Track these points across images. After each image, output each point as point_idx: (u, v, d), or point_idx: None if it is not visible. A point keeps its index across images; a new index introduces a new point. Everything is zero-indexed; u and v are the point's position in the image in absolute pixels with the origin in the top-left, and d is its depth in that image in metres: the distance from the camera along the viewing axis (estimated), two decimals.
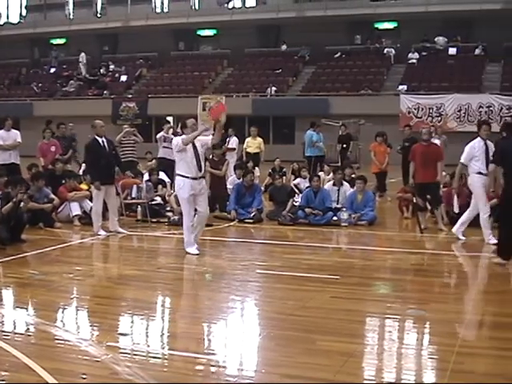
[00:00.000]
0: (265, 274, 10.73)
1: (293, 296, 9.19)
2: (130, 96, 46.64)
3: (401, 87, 40.42)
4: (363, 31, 46.71)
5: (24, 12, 58.19)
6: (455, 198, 15.43)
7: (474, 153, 13.24)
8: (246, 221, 16.01)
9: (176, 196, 16.07)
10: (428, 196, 15.15)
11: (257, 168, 21.80)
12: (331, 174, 18.76)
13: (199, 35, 51.96)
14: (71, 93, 48.50)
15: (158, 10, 53.61)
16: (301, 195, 16.88)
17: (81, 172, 18.84)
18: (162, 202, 16.85)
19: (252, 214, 16.08)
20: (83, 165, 20.59)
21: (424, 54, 43.38)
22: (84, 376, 6.07)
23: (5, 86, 52.33)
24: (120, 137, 18.36)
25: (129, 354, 6.72)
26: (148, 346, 7.18)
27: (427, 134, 15.36)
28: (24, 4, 58.13)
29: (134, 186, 16.74)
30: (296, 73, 46.15)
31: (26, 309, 8.75)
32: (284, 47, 48.15)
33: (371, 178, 19.86)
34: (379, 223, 16.02)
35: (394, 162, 21.32)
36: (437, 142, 18.58)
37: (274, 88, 42.93)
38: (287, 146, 36.59)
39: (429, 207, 15.50)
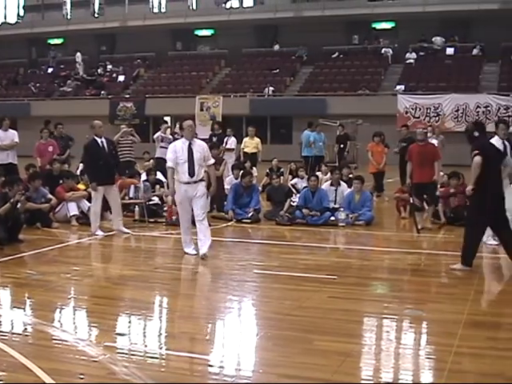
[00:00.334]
0: (262, 274, 10.73)
1: (290, 296, 9.19)
2: (127, 96, 46.66)
3: (398, 87, 40.44)
4: (361, 31, 46.74)
5: (22, 12, 58.24)
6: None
7: None
8: (244, 221, 16.01)
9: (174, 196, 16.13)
10: (425, 196, 15.17)
11: (254, 168, 21.80)
12: (329, 174, 18.77)
13: (197, 35, 51.97)
14: (69, 93, 48.50)
15: (156, 9, 53.65)
16: (298, 195, 16.88)
17: (78, 172, 18.82)
18: (159, 202, 16.84)
19: (250, 214, 16.08)
20: (80, 165, 20.63)
21: (421, 54, 43.44)
22: (81, 376, 6.06)
23: (2, 85, 52.34)
24: (117, 137, 18.33)
25: (126, 354, 6.72)
26: (145, 346, 7.17)
27: (422, 135, 15.36)
28: (22, 4, 58.13)
29: (132, 186, 16.73)
30: (294, 73, 46.17)
31: (24, 309, 8.74)
32: (277, 47, 48.21)
33: (369, 178, 19.88)
34: (377, 223, 16.03)
35: (392, 162, 21.33)
36: (434, 142, 18.62)
37: (271, 88, 42.96)
38: (285, 146, 36.64)
39: (426, 207, 15.51)
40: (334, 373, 6.19)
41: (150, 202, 16.51)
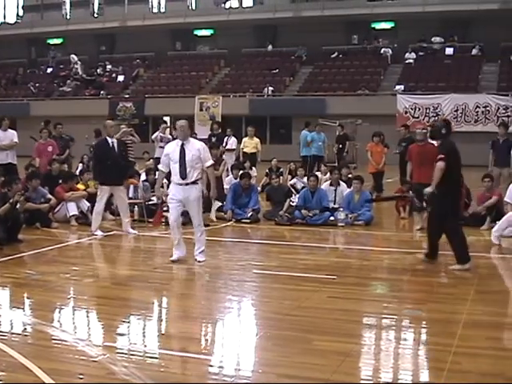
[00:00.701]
0: (261, 274, 10.73)
1: (290, 296, 9.20)
2: (127, 96, 46.67)
3: (398, 87, 40.46)
4: (360, 31, 46.78)
5: (21, 12, 58.25)
6: None
7: None
8: (243, 221, 16.02)
9: None
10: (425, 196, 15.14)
11: (254, 168, 21.81)
12: (328, 174, 18.77)
13: (196, 35, 52.00)
14: (68, 93, 48.52)
15: (155, 9, 53.67)
16: (298, 195, 16.88)
17: (77, 172, 18.82)
18: (158, 202, 16.82)
19: (249, 215, 16.08)
20: (80, 165, 20.65)
21: (421, 54, 43.47)
22: (81, 376, 6.06)
23: (2, 85, 52.35)
24: (117, 137, 18.32)
25: (126, 354, 6.71)
26: (145, 346, 7.17)
27: (422, 135, 15.29)
28: (21, 4, 58.12)
29: (131, 186, 16.71)
30: (293, 73, 46.18)
31: (23, 309, 8.74)
32: (270, 47, 48.27)
33: (368, 178, 19.87)
34: (376, 223, 16.03)
35: (391, 162, 21.32)
36: (434, 142, 18.59)
37: (271, 88, 42.96)
38: (284, 146, 36.64)
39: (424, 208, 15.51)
40: (334, 373, 6.19)
41: (150, 202, 16.49)
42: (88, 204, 15.40)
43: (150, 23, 49.41)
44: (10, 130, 17.78)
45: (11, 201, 12.84)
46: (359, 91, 40.97)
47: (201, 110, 41.74)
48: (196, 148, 11.33)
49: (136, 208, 16.04)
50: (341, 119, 33.72)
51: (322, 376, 6.12)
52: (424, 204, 15.33)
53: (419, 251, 12.10)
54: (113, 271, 11.19)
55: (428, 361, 6.73)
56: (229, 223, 15.98)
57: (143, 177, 17.82)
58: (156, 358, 6.73)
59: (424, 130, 15.24)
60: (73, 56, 50.24)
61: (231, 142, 22.15)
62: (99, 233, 14.09)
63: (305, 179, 18.26)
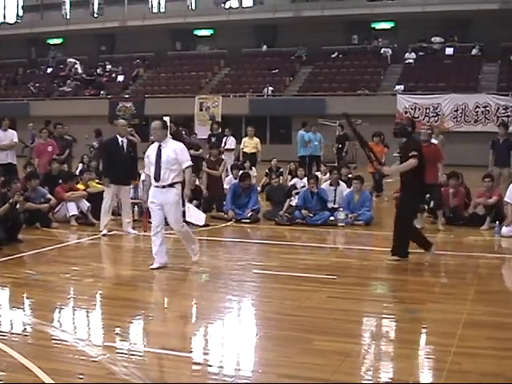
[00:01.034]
0: (262, 274, 10.73)
1: (290, 296, 9.20)
2: (126, 96, 46.67)
3: (398, 87, 40.45)
4: (360, 31, 46.77)
5: (21, 12, 58.24)
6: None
7: None
8: (243, 221, 16.01)
9: None
10: (427, 195, 15.12)
11: (253, 168, 21.81)
12: (328, 174, 18.77)
13: (196, 35, 52.00)
14: (68, 93, 48.51)
15: (155, 9, 53.68)
16: (297, 195, 16.87)
17: (77, 172, 18.82)
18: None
19: (248, 215, 16.07)
20: (80, 165, 20.66)
21: (421, 54, 43.46)
22: (81, 376, 6.06)
23: (2, 85, 52.35)
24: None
25: (126, 354, 6.71)
26: (145, 345, 7.17)
27: (426, 135, 15.25)
28: (21, 4, 58.12)
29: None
30: (293, 73, 46.17)
31: (23, 309, 8.75)
32: (265, 47, 48.30)
33: (368, 177, 19.86)
34: (376, 223, 16.02)
35: (391, 162, 21.29)
36: (434, 142, 18.60)
37: (270, 88, 42.95)
38: (284, 146, 36.58)
39: (426, 207, 15.51)
40: (334, 373, 6.19)
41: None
42: (88, 204, 15.40)
43: (149, 23, 49.40)
44: (9, 130, 17.78)
45: (11, 201, 12.85)
46: (359, 91, 40.97)
47: (201, 110, 41.76)
48: (172, 149, 10.90)
49: (136, 208, 16.03)
50: (341, 119, 33.63)
51: (322, 376, 6.12)
52: (431, 203, 15.40)
53: (419, 251, 12.10)
54: (113, 271, 11.19)
55: (428, 361, 6.72)
56: (228, 223, 15.97)
57: (143, 177, 17.80)
58: (156, 357, 6.72)
59: (429, 131, 15.21)
60: (70, 60, 50.25)
61: (230, 142, 22.15)
62: (104, 232, 14.10)
63: (304, 179, 18.26)
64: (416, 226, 11.99)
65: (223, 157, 20.03)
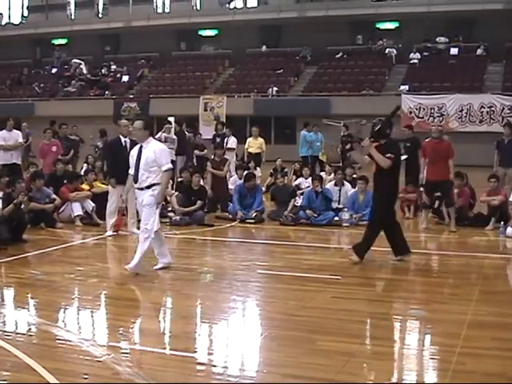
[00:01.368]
0: (266, 274, 10.74)
1: (294, 296, 9.20)
2: (131, 96, 46.68)
3: (402, 87, 40.41)
4: (365, 31, 46.74)
5: (26, 12, 58.28)
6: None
7: None
8: (248, 221, 16.02)
9: (177, 196, 16.15)
10: (437, 194, 15.09)
11: (258, 168, 21.81)
12: (332, 175, 18.76)
13: (201, 35, 51.99)
14: (73, 93, 48.52)
15: (160, 10, 53.68)
16: (302, 195, 16.87)
17: (82, 172, 18.83)
18: (163, 203, 16.81)
19: (253, 215, 16.07)
20: (84, 165, 20.67)
21: (426, 54, 43.40)
22: (85, 376, 6.07)
23: (7, 86, 52.37)
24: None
25: (130, 354, 6.72)
26: (149, 346, 7.17)
27: (437, 133, 15.16)
28: (26, 4, 58.19)
29: None
30: (298, 73, 46.14)
31: (28, 309, 8.76)
32: (264, 48, 48.28)
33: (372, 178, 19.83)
34: None
35: None
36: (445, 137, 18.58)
37: (275, 88, 42.92)
38: (289, 146, 36.54)
39: (436, 206, 15.50)
40: (338, 373, 6.19)
41: None
42: (93, 204, 15.42)
43: (154, 23, 49.41)
44: (14, 131, 17.79)
45: (15, 201, 12.87)
46: (364, 91, 40.92)
47: (205, 110, 41.75)
48: (152, 150, 10.52)
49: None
50: (345, 119, 33.69)
51: (326, 376, 6.12)
52: (436, 203, 15.38)
53: (424, 251, 12.09)
54: (117, 271, 11.18)
55: (433, 361, 6.71)
56: (233, 223, 15.98)
57: None
58: (160, 358, 6.72)
59: (440, 128, 15.15)
60: (74, 60, 50.28)
61: (231, 142, 22.12)
62: (110, 233, 14.10)
63: (310, 179, 18.25)
64: (400, 227, 11.86)
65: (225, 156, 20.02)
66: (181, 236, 14.37)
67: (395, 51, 44.42)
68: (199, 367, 6.43)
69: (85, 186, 16.22)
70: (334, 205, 16.16)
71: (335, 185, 16.80)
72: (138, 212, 15.19)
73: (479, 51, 42.24)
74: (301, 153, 23.82)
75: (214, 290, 9.78)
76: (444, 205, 15.31)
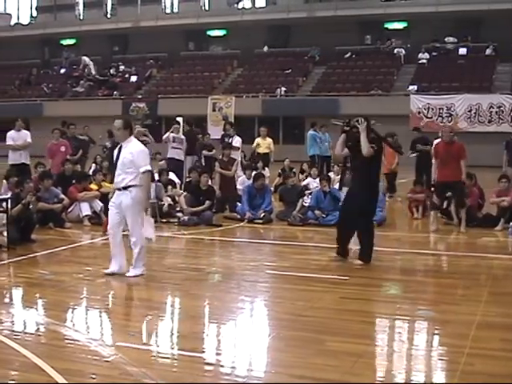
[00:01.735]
0: (274, 274, 10.73)
1: (302, 296, 9.18)
2: (140, 96, 46.77)
3: (411, 87, 40.39)
4: (373, 31, 46.72)
5: (34, 13, 58.43)
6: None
7: None
8: (256, 221, 16.01)
9: (185, 196, 16.15)
10: (448, 193, 15.03)
11: (266, 168, 21.80)
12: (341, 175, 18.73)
13: (209, 35, 52.04)
14: (81, 93, 48.64)
15: (168, 10, 53.78)
16: (311, 195, 16.84)
17: (91, 172, 18.86)
18: (171, 203, 16.84)
19: (261, 215, 16.06)
20: (93, 165, 20.70)
21: (434, 54, 43.37)
22: (94, 376, 6.07)
23: (15, 86, 52.57)
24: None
25: (138, 354, 6.72)
26: (157, 346, 7.18)
27: (448, 137, 15.02)
28: (34, 5, 58.31)
29: None
30: (306, 73, 46.16)
31: (36, 309, 8.77)
32: (266, 48, 48.26)
33: (381, 178, 19.81)
34: (389, 224, 15.98)
35: (404, 162, 21.29)
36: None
37: (283, 88, 42.92)
38: (297, 147, 36.54)
39: (444, 206, 15.46)
40: (346, 374, 6.18)
41: (162, 203, 16.50)
42: (101, 204, 15.42)
43: (163, 24, 49.48)
44: (23, 131, 17.84)
45: (23, 201, 12.90)
46: (372, 91, 40.92)
47: (214, 110, 41.75)
48: (129, 151, 10.13)
49: (149, 208, 16.03)
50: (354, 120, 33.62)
51: (334, 377, 6.11)
52: (444, 204, 15.33)
53: (433, 252, 12.07)
54: (126, 271, 11.18)
55: (441, 362, 6.69)
56: (241, 224, 15.97)
57: (156, 177, 17.83)
58: (168, 358, 6.73)
59: (451, 133, 15.04)
60: (84, 58, 50.34)
61: (235, 141, 22.08)
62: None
63: (317, 180, 18.22)
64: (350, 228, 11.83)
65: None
66: (189, 236, 14.37)
67: (404, 51, 44.41)
68: (207, 367, 6.43)
69: (93, 186, 16.24)
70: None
71: (343, 185, 16.77)
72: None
73: (488, 51, 42.19)
74: (309, 152, 23.81)
75: (222, 290, 9.77)
76: (455, 205, 15.26)
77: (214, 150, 21.64)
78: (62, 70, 53.15)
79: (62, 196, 15.27)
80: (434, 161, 15.36)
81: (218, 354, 6.84)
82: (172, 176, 18.53)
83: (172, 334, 7.80)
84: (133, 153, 10.09)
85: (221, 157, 19.01)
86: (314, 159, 23.28)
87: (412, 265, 11.64)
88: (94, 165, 20.94)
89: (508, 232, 14.33)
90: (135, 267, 10.26)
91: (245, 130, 25.36)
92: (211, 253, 12.95)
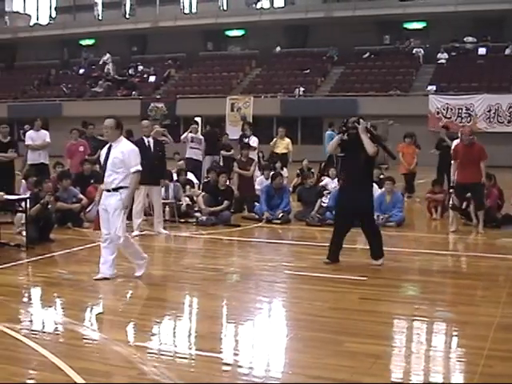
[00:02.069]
0: (292, 274, 10.71)
1: (320, 297, 9.17)
2: (158, 96, 46.82)
3: (430, 87, 40.22)
4: (392, 31, 46.54)
5: (53, 13, 58.64)
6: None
7: None
8: (274, 221, 15.99)
9: (203, 196, 16.16)
10: (468, 194, 14.96)
11: (285, 169, 21.77)
12: None
13: (227, 35, 52.03)
14: (100, 93, 48.77)
15: (187, 10, 53.79)
16: (329, 196, 16.80)
17: None
18: (190, 203, 16.86)
19: (279, 215, 16.04)
20: None
21: (453, 54, 43.17)
22: (111, 376, 6.08)
23: (34, 86, 52.80)
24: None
25: (156, 354, 6.73)
26: (175, 346, 7.19)
27: (468, 140, 14.89)
28: (53, 5, 58.55)
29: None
30: (324, 73, 46.07)
31: (55, 308, 8.81)
32: (278, 48, 48.26)
33: (399, 178, 19.77)
34: (407, 224, 15.94)
35: (423, 163, 21.23)
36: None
37: (302, 88, 42.86)
38: (315, 147, 36.51)
39: (464, 207, 15.39)
40: (364, 375, 6.16)
41: (181, 203, 16.52)
42: None
43: (181, 24, 49.52)
44: (42, 130, 17.91)
45: (42, 201, 12.96)
46: (391, 92, 40.78)
47: (232, 110, 41.80)
48: (120, 151, 9.99)
49: (167, 208, 16.08)
50: (372, 120, 33.58)
51: (352, 378, 6.09)
52: (464, 204, 15.26)
53: (452, 253, 12.01)
54: (144, 271, 11.21)
55: (460, 364, 6.66)
56: (259, 224, 15.96)
57: (174, 177, 17.87)
58: (186, 358, 6.73)
59: (471, 137, 14.92)
60: (108, 56, 50.44)
61: (252, 141, 22.05)
62: (136, 233, 14.12)
63: (336, 180, 18.17)
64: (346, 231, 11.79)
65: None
66: (207, 236, 14.38)
67: (423, 51, 44.22)
68: (225, 368, 6.43)
69: None
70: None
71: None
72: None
73: (508, 51, 41.91)
74: (327, 153, 23.75)
75: (240, 290, 9.77)
76: (474, 207, 15.18)
77: (232, 150, 21.64)
78: (81, 71, 53.33)
79: (81, 196, 15.32)
80: (452, 162, 15.28)
81: (235, 355, 6.84)
82: (190, 176, 18.55)
83: (190, 334, 7.81)
84: (124, 152, 9.97)
85: (239, 157, 19.01)
86: (331, 159, 23.20)
87: (430, 265, 11.60)
88: None
89: None
90: (140, 269, 10.23)
91: (263, 130, 25.32)
92: (229, 253, 12.95)
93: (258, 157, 22.42)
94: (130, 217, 14.62)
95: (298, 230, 15.46)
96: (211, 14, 49.59)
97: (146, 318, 8.21)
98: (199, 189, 18.06)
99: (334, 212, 15.53)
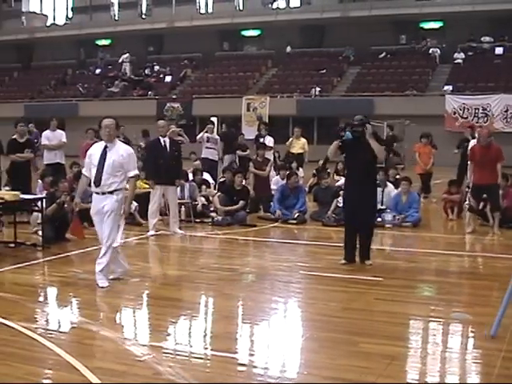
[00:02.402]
0: (308, 275, 10.69)
1: (336, 297, 9.15)
2: (174, 96, 46.91)
3: (446, 87, 40.13)
4: (408, 31, 46.47)
5: (70, 13, 58.87)
6: None
7: None
8: (290, 221, 15.97)
9: (219, 196, 16.17)
10: (484, 195, 14.90)
11: (301, 169, 21.73)
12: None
13: (243, 35, 52.10)
14: (116, 93, 48.94)
15: (203, 10, 53.89)
16: None
17: None
18: (205, 203, 16.86)
19: (295, 215, 16.02)
20: None
21: (470, 53, 43.04)
22: (127, 376, 6.08)
23: (51, 86, 53.04)
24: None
25: (171, 354, 6.73)
26: (190, 346, 7.18)
27: (486, 141, 14.76)
28: (70, 5, 58.76)
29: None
30: (341, 73, 46.07)
31: (70, 307, 8.83)
32: (289, 48, 48.22)
33: (416, 178, 19.71)
34: (424, 225, 15.89)
35: (439, 163, 21.16)
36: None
37: (318, 88, 42.83)
38: None
39: (480, 208, 15.33)
40: (380, 376, 6.13)
41: (196, 202, 16.53)
42: (135, 204, 15.46)
43: (197, 24, 49.62)
44: (58, 130, 17.94)
45: (58, 201, 13.01)
46: (407, 92, 40.70)
47: (248, 110, 41.82)
48: (119, 153, 9.79)
49: (183, 208, 16.10)
50: (389, 120, 33.53)
51: (368, 379, 6.07)
52: (480, 205, 15.19)
53: (468, 253, 11.94)
54: (159, 271, 11.23)
55: (476, 365, 6.62)
56: (275, 224, 15.95)
57: (190, 177, 17.88)
58: (201, 358, 6.72)
59: (489, 138, 14.82)
60: (127, 55, 50.58)
61: (268, 141, 22.03)
62: (152, 233, 14.16)
63: None
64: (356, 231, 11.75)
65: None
66: (223, 236, 14.38)
67: (439, 51, 44.13)
68: (240, 368, 6.41)
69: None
70: (377, 206, 16.04)
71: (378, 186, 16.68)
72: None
73: None
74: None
75: (256, 290, 9.76)
76: (490, 209, 15.11)
77: (248, 150, 21.65)
78: (98, 71, 53.55)
79: None
80: (469, 163, 15.20)
81: (250, 355, 6.82)
82: (206, 176, 18.55)
83: (205, 334, 7.80)
84: (124, 156, 9.80)
85: (255, 157, 19.01)
86: None
87: (447, 266, 11.55)
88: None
89: None
90: (101, 271, 9.68)
91: (279, 130, 25.30)
92: (245, 253, 12.94)
93: (274, 157, 22.40)
94: (145, 217, 14.75)
95: (313, 230, 15.44)
96: (227, 13, 49.66)
97: (161, 317, 8.20)
98: (215, 189, 18.06)
99: None
